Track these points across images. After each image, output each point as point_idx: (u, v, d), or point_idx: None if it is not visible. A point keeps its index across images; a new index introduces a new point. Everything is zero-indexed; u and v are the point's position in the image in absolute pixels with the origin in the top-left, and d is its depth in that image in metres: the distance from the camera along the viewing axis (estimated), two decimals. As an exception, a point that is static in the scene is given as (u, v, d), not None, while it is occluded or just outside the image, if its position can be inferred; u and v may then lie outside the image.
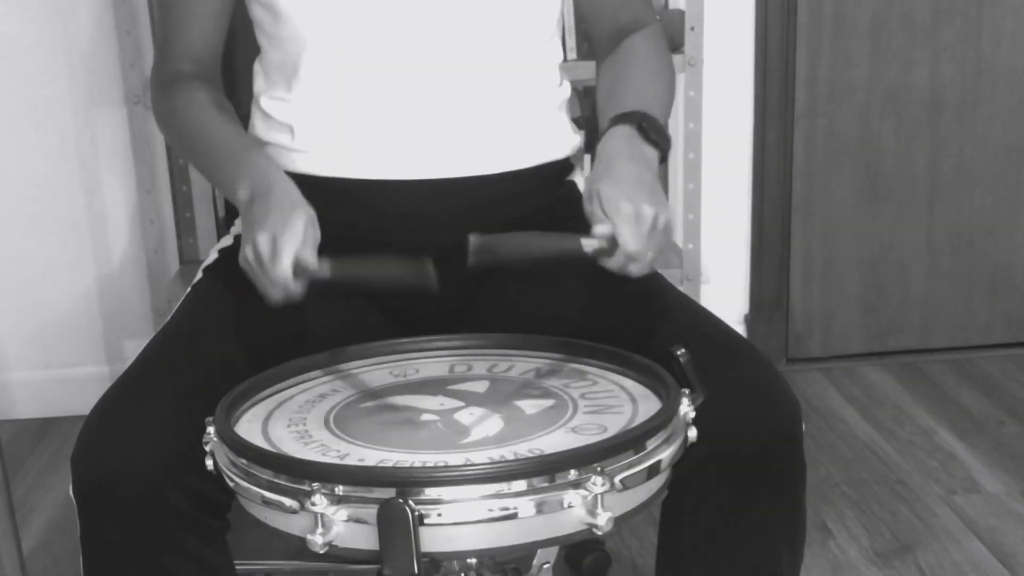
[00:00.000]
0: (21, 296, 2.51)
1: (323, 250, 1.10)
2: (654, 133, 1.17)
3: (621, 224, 1.05)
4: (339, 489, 0.87)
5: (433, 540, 0.87)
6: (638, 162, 1.14)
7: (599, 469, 0.88)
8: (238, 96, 1.59)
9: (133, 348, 2.09)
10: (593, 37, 1.42)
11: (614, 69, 1.32)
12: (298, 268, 1.06)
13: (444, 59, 1.24)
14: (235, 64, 1.59)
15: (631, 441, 0.92)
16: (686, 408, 0.98)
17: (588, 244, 1.06)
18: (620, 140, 1.16)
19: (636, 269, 1.07)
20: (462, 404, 1.04)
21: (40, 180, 2.45)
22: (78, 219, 2.48)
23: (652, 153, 1.17)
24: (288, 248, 1.06)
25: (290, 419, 1.03)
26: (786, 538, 1.11)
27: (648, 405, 1.01)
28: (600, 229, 1.06)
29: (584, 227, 1.30)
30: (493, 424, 0.99)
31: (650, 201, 1.07)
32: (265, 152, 1.25)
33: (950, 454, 2.23)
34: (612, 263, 1.07)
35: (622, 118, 1.18)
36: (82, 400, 1.36)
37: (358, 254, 1.10)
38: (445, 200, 1.25)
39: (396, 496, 0.85)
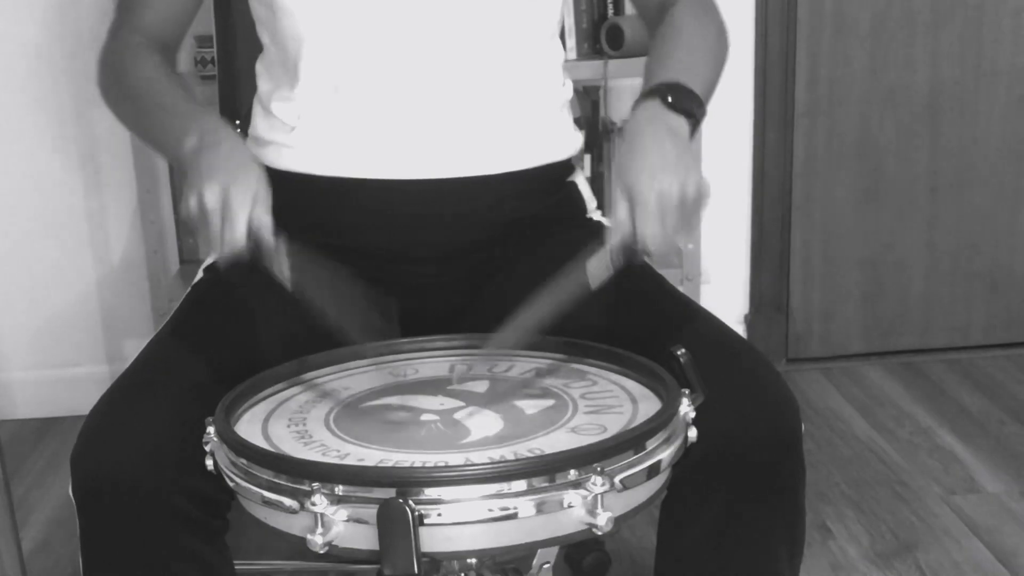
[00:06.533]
0: (21, 296, 2.51)
1: (319, 251, 1.09)
2: (681, 101, 1.12)
3: (640, 214, 1.03)
4: (339, 489, 0.87)
5: (433, 540, 0.87)
6: (659, 134, 1.09)
7: (599, 469, 0.88)
8: (238, 96, 1.60)
9: (133, 348, 2.09)
10: (641, 11, 1.39)
11: (655, 50, 1.28)
12: (251, 230, 1.03)
13: (445, 58, 1.24)
14: (235, 64, 1.60)
15: (631, 441, 0.92)
16: (686, 408, 0.98)
17: (594, 278, 1.05)
18: (643, 115, 1.12)
19: (659, 252, 1.05)
20: (462, 404, 1.04)
21: (40, 180, 2.45)
22: (78, 219, 2.48)
23: (679, 122, 1.11)
24: (242, 207, 1.03)
25: (290, 419, 1.03)
26: (785, 538, 1.11)
27: (648, 405, 1.01)
28: (617, 219, 1.03)
29: (583, 227, 1.30)
30: (493, 424, 1.00)
31: (674, 173, 1.04)
32: (211, 111, 1.21)
33: (950, 454, 2.23)
34: (630, 254, 1.04)
35: (647, 94, 1.15)
36: (82, 400, 1.36)
37: (330, 286, 1.07)
38: (445, 200, 1.25)
39: (396, 496, 0.85)
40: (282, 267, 1.05)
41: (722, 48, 1.29)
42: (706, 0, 1.32)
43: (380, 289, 1.16)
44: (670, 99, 1.13)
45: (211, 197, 1.04)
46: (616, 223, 1.04)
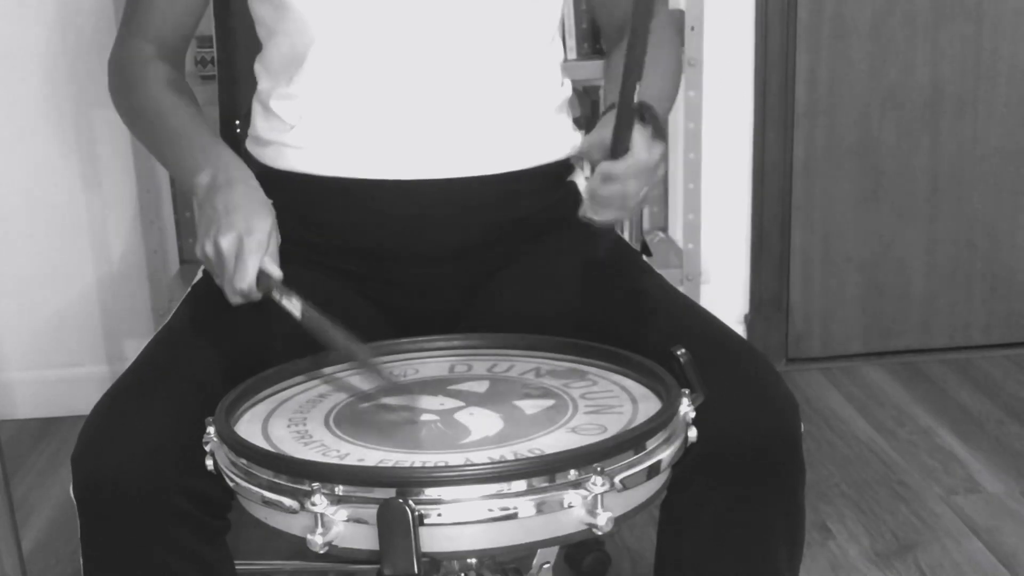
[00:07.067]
0: (21, 296, 2.51)
1: (319, 251, 1.10)
2: (651, 121, 1.16)
3: (637, 143, 1.09)
4: (339, 489, 0.87)
5: (433, 540, 0.87)
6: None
7: (599, 469, 0.88)
8: (238, 96, 1.59)
9: (133, 348, 2.09)
10: (601, 28, 1.42)
11: (618, 61, 1.31)
12: (261, 277, 1.10)
13: (445, 58, 1.24)
14: (235, 64, 1.59)
15: (631, 441, 0.92)
16: (686, 408, 0.98)
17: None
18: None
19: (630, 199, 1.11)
20: (462, 404, 1.04)
21: (40, 180, 2.45)
22: (78, 219, 2.48)
23: None
24: (254, 255, 1.09)
25: (290, 419, 1.03)
26: (785, 538, 1.11)
27: (648, 405, 1.01)
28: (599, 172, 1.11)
29: (582, 230, 1.30)
30: (493, 424, 1.00)
31: (657, 146, 1.11)
32: (224, 144, 1.24)
33: (950, 454, 2.23)
34: (605, 190, 1.11)
35: None
36: (82, 400, 1.36)
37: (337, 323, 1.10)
38: (445, 200, 1.25)
39: (396, 496, 0.85)
40: (293, 307, 1.10)
41: (679, 80, 1.36)
42: (668, 23, 1.36)
43: (395, 297, 1.18)
44: (645, 119, 1.16)
45: (226, 244, 1.09)
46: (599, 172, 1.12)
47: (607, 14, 1.41)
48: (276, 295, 1.10)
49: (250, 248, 1.08)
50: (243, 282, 1.09)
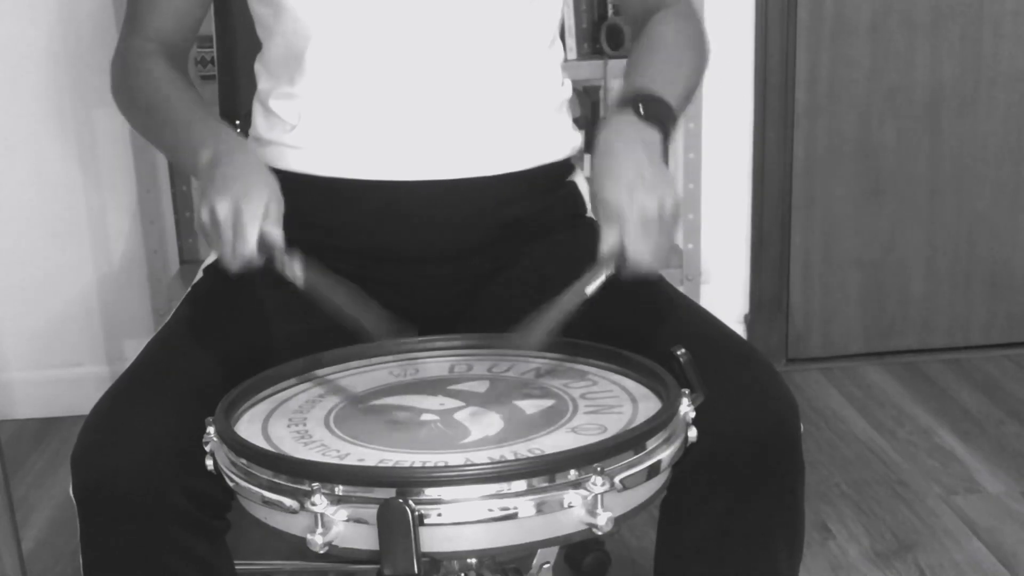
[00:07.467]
0: (21, 296, 2.51)
1: (319, 251, 1.09)
2: (653, 111, 1.15)
3: (628, 234, 1.04)
4: (339, 489, 0.87)
5: (433, 540, 0.87)
6: (634, 148, 1.11)
7: (599, 469, 0.88)
8: (238, 96, 1.60)
9: (133, 348, 2.09)
10: (625, 17, 1.41)
11: (634, 57, 1.30)
12: (262, 242, 1.05)
13: (444, 59, 1.24)
14: (235, 64, 1.60)
15: (631, 441, 0.92)
16: (686, 408, 0.98)
17: (592, 287, 1.05)
18: (617, 126, 1.14)
19: (651, 270, 1.06)
20: (462, 404, 1.04)
21: (40, 180, 2.45)
22: (78, 219, 2.48)
23: (652, 135, 1.13)
24: (253, 220, 1.04)
25: (290, 419, 1.03)
26: (784, 538, 1.11)
27: (648, 405, 1.01)
28: (607, 245, 1.05)
29: (583, 226, 1.31)
30: (493, 424, 1.00)
31: (652, 190, 1.06)
32: (224, 122, 1.22)
33: (950, 454, 2.23)
34: (624, 273, 1.06)
35: (622, 103, 1.17)
36: (82, 400, 1.36)
37: (342, 284, 1.07)
38: (445, 201, 1.25)
39: (396, 496, 0.85)
40: (295, 272, 1.06)
41: (701, 58, 1.31)
42: (688, 9, 1.34)
43: (395, 298, 1.16)
44: (642, 110, 1.14)
45: (222, 210, 1.05)
46: (606, 245, 1.05)
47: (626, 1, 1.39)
48: (278, 261, 1.06)
49: (249, 213, 1.04)
50: (245, 247, 1.04)
